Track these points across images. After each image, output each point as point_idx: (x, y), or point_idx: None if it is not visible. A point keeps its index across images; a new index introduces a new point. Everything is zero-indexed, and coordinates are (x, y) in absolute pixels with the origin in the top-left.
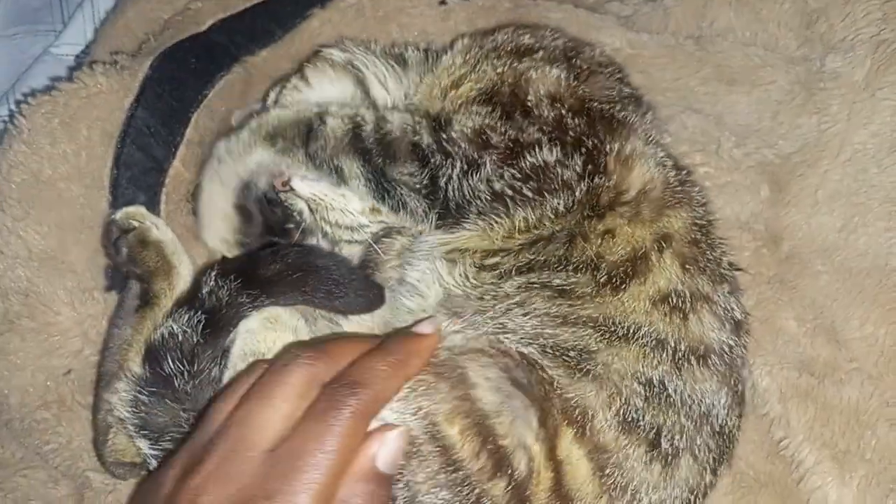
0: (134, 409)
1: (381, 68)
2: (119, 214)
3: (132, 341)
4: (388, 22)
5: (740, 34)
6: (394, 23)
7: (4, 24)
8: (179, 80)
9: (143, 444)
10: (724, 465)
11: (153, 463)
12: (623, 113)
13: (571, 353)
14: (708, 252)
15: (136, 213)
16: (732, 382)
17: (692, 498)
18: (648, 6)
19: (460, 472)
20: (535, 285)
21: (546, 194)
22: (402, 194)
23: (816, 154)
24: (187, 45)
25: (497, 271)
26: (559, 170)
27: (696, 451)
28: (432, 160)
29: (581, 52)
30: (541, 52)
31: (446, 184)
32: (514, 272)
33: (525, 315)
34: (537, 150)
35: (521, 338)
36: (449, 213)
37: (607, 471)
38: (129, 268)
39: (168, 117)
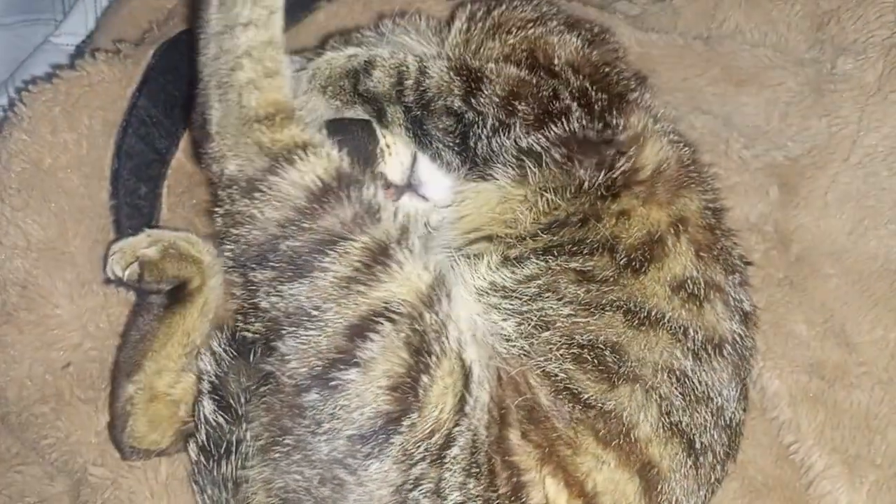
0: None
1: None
2: (127, 273)
3: (158, 334)
4: None
5: (750, 35)
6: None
7: (4, 12)
8: (182, 71)
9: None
10: (732, 460)
11: (202, 435)
12: (629, 87)
13: (607, 354)
14: (722, 240)
15: (129, 250)
16: (742, 374)
17: (708, 495)
18: (657, 6)
19: None
20: (557, 269)
21: (577, 164)
22: (436, 144)
23: (826, 156)
24: (191, 36)
25: (519, 261)
26: (593, 137)
27: (715, 447)
28: (465, 118)
29: (583, 24)
30: (554, 21)
31: (476, 142)
32: (532, 256)
33: (560, 300)
34: (569, 118)
35: (561, 337)
36: (477, 163)
37: (659, 487)
38: (162, 287)
39: (171, 108)
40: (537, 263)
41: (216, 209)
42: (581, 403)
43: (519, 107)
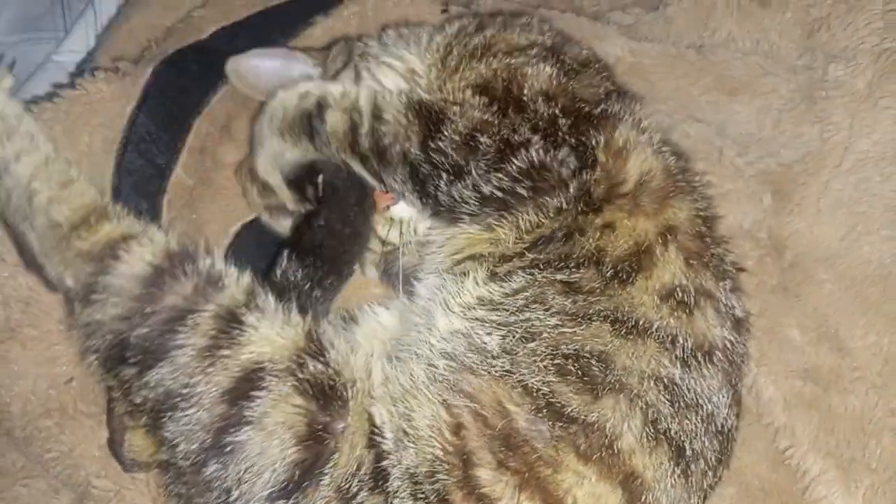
0: None
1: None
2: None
3: None
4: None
5: (742, 43)
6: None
7: (6, 31)
8: (181, 87)
9: None
10: (725, 467)
11: None
12: (608, 106)
13: (593, 364)
14: (713, 247)
15: None
16: (733, 381)
17: (699, 501)
18: (650, 15)
19: None
20: (543, 281)
21: (543, 193)
22: (396, 188)
23: (818, 163)
24: (189, 53)
25: (506, 278)
26: (554, 166)
27: (706, 454)
28: (421, 169)
29: (568, 48)
30: (534, 49)
31: (435, 190)
32: (519, 271)
33: (546, 311)
34: (528, 149)
35: (546, 347)
36: (442, 211)
37: (643, 497)
38: None
39: (170, 124)
40: (524, 277)
41: (69, 328)
42: (563, 419)
43: (480, 141)
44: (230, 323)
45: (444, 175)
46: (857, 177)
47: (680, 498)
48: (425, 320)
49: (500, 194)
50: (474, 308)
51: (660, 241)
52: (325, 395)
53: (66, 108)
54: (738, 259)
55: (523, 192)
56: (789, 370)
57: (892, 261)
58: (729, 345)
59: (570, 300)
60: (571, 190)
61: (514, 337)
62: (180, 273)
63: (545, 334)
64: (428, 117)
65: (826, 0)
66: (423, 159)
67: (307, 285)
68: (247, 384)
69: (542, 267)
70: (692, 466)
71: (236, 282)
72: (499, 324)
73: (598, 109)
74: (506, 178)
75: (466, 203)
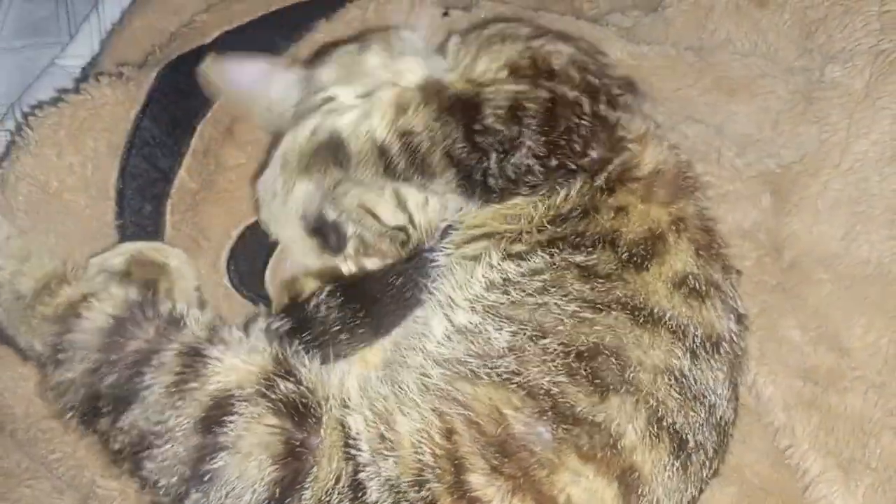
0: None
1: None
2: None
3: None
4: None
5: (740, 45)
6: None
7: (11, 36)
8: (185, 92)
9: None
10: (721, 460)
11: None
12: (626, 94)
13: (607, 360)
14: (719, 240)
15: (98, 263)
16: (735, 375)
17: (697, 493)
18: (649, 17)
19: None
20: (561, 265)
21: (589, 151)
22: (441, 193)
23: (817, 163)
24: (193, 57)
25: (523, 256)
26: (596, 127)
27: (707, 445)
28: (465, 163)
29: (575, 39)
30: (544, 38)
31: (483, 176)
32: (538, 250)
33: (565, 297)
34: (577, 109)
35: (559, 345)
36: (491, 193)
37: (639, 490)
38: None
39: (173, 128)
40: (542, 257)
41: (43, 392)
42: (568, 420)
43: (526, 108)
44: (194, 358)
45: (494, 155)
46: (856, 177)
47: (676, 488)
48: (422, 326)
49: (556, 160)
50: (485, 297)
51: (672, 228)
52: (300, 412)
53: (70, 113)
54: (737, 260)
55: (577, 146)
56: (789, 370)
57: (892, 260)
58: (734, 337)
59: (588, 286)
60: (600, 155)
61: (524, 335)
62: (141, 319)
63: (560, 327)
64: (463, 109)
65: (823, 2)
66: (469, 149)
67: (336, 327)
68: (218, 411)
69: (560, 246)
70: (693, 457)
71: (197, 320)
72: (511, 316)
73: (621, 93)
74: (559, 139)
75: (530, 174)
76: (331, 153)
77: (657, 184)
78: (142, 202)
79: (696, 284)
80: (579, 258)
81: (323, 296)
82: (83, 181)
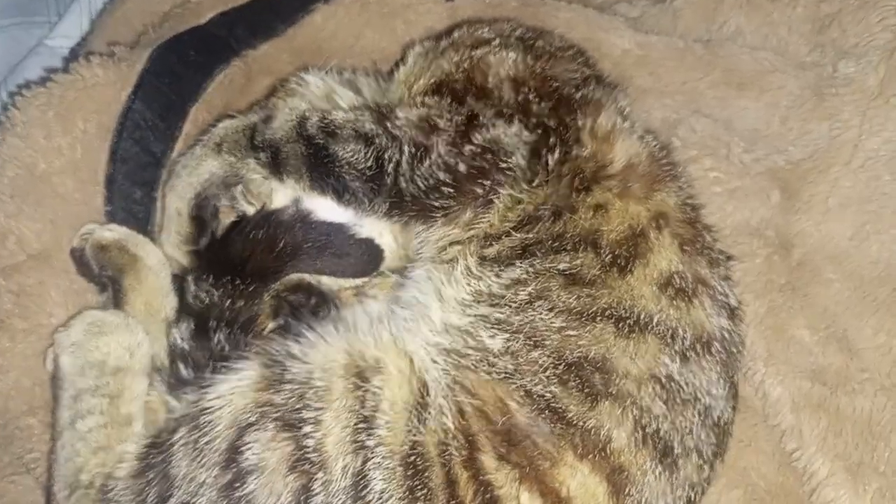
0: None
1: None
2: (76, 241)
3: None
4: (393, 18)
5: (750, 38)
6: (399, 19)
7: None
8: (178, 74)
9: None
10: (720, 460)
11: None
12: (588, 91)
13: (594, 372)
14: (704, 233)
15: (87, 229)
16: (730, 372)
17: (693, 495)
18: (657, 8)
19: None
20: (544, 273)
21: (510, 170)
22: (343, 175)
23: (828, 160)
24: (186, 38)
25: (499, 262)
26: (514, 141)
27: (701, 448)
28: (377, 141)
29: (540, 37)
30: (497, 40)
31: (395, 170)
32: (514, 257)
33: (551, 310)
34: (490, 129)
35: (550, 356)
36: (404, 205)
37: (627, 489)
38: (104, 274)
39: (166, 111)
40: (522, 266)
41: None
42: (562, 422)
43: (438, 124)
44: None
45: (407, 149)
46: (867, 175)
47: (664, 491)
48: (418, 312)
49: (472, 171)
50: (475, 304)
51: (653, 225)
52: (301, 417)
53: (60, 93)
54: (746, 257)
55: (485, 164)
56: (797, 371)
57: None
58: (726, 335)
59: (574, 296)
60: (550, 163)
61: (517, 343)
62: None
63: (548, 340)
64: (378, 110)
65: None
66: (380, 132)
67: (227, 301)
68: (234, 446)
69: (539, 253)
70: (680, 462)
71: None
72: (503, 326)
73: (579, 94)
74: (474, 151)
75: (443, 186)
76: (249, 131)
77: (631, 179)
78: (132, 187)
79: (683, 283)
80: (562, 264)
81: (192, 289)
82: (72, 164)
